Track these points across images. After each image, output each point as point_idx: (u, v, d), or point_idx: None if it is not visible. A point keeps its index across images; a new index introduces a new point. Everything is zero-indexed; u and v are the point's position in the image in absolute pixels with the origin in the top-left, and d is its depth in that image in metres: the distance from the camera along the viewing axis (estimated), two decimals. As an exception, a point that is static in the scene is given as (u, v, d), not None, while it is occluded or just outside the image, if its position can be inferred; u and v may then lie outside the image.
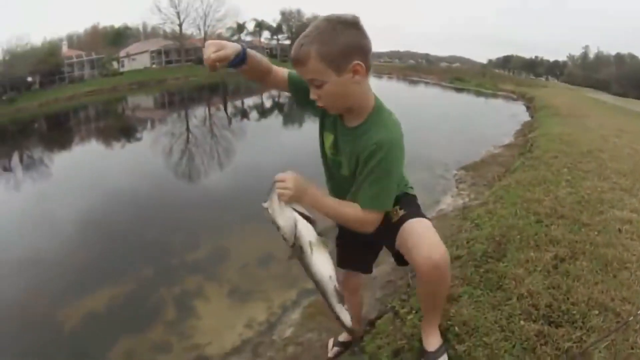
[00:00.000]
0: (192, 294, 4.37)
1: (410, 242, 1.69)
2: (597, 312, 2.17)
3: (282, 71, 1.88)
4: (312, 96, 1.65)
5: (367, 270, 2.31)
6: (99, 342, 3.83)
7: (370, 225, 1.71)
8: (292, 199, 1.65)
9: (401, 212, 1.80)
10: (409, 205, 1.85)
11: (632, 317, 2.00)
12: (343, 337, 2.76)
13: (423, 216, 1.81)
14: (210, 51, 1.56)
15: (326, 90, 1.60)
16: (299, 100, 1.88)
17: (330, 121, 1.84)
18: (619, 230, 3.27)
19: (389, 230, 1.79)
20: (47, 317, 4.30)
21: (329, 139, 1.86)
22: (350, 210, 1.71)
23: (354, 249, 2.18)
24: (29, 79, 37.02)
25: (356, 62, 1.54)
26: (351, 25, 1.54)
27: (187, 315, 4.04)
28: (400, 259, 1.84)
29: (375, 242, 2.07)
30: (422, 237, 1.68)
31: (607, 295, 2.32)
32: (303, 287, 4.22)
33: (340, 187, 1.88)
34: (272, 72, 1.86)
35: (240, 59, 1.67)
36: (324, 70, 1.56)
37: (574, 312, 2.18)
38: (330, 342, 2.83)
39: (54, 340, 3.99)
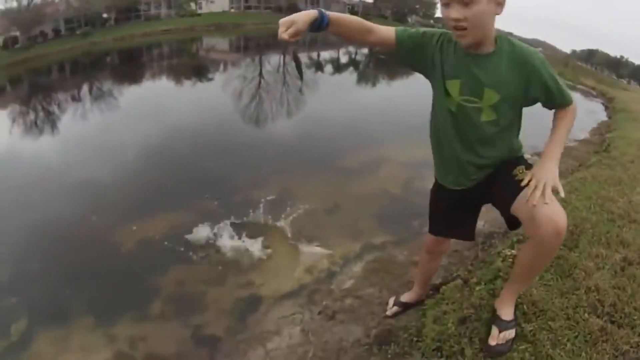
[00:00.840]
0: (254, 232, 4.36)
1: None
2: (656, 322, 2.14)
3: (388, 30, 1.82)
4: (455, 15, 1.58)
5: (471, 235, 2.25)
6: (152, 267, 3.97)
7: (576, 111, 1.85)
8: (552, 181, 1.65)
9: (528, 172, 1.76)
10: (532, 167, 1.81)
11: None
12: (405, 297, 2.79)
13: None
14: (280, 31, 1.58)
15: (474, 10, 1.56)
16: (406, 58, 1.86)
17: (451, 66, 1.77)
18: (688, 248, 3.17)
19: (511, 189, 1.76)
20: (105, 236, 4.49)
21: (456, 85, 1.78)
22: (569, 121, 1.83)
23: (453, 217, 2.17)
24: (105, 15, 37.64)
25: None
26: None
27: (245, 252, 4.08)
28: (513, 222, 1.85)
29: (477, 202, 2.07)
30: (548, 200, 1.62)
31: (668, 308, 2.28)
32: (368, 241, 4.20)
33: (471, 138, 1.86)
34: (373, 32, 1.81)
35: (318, 25, 1.67)
36: None
37: (635, 317, 2.16)
38: (391, 300, 2.86)
39: (108, 259, 4.18)
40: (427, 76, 1.88)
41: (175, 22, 40.54)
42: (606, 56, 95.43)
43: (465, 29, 1.60)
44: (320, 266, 3.84)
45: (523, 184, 1.69)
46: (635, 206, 3.80)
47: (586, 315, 2.14)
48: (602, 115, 14.08)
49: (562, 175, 5.68)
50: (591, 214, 3.42)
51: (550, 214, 1.60)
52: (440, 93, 1.83)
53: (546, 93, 1.72)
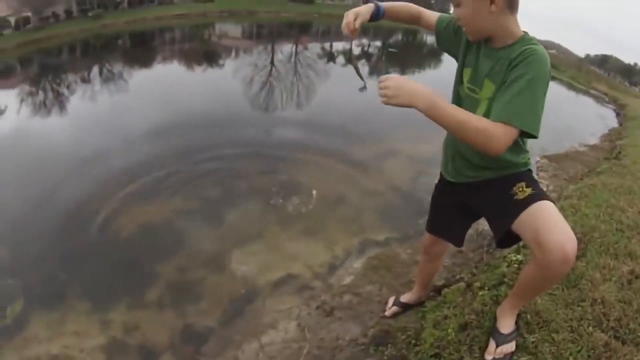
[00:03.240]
0: (256, 220, 4.36)
1: (542, 226, 1.53)
2: (662, 339, 2.07)
3: (432, 16, 1.98)
4: (454, 14, 1.73)
5: (459, 242, 2.20)
6: (152, 252, 3.94)
7: (498, 142, 1.45)
8: (396, 101, 1.47)
9: (528, 190, 1.67)
10: (536, 184, 1.73)
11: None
12: (405, 297, 2.76)
13: (550, 200, 1.65)
14: (348, 20, 1.79)
15: (462, 12, 1.64)
16: (441, 43, 1.98)
17: (472, 55, 1.77)
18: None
19: (510, 207, 1.67)
20: (106, 219, 4.42)
21: (467, 73, 1.78)
22: (479, 121, 1.48)
23: (448, 215, 2.15)
24: (118, -3, 37.48)
25: None
26: None
27: (246, 241, 4.05)
28: (505, 241, 1.76)
29: (474, 211, 1.99)
30: (556, 224, 1.53)
31: (676, 325, 2.21)
32: (369, 237, 4.14)
33: None
34: (421, 17, 2.01)
35: (375, 16, 1.88)
36: None
37: (640, 333, 2.09)
38: (391, 300, 2.83)
39: (107, 242, 4.13)
40: (457, 61, 1.92)
41: (188, 6, 40.17)
42: (620, 63, 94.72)
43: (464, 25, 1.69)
44: (320, 260, 3.77)
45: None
46: (645, 217, 3.72)
47: (590, 328, 2.08)
48: (613, 122, 13.97)
49: (569, 180, 5.66)
50: (600, 223, 3.34)
51: (561, 240, 1.50)
52: (457, 79, 1.88)
53: (500, 87, 1.58)
